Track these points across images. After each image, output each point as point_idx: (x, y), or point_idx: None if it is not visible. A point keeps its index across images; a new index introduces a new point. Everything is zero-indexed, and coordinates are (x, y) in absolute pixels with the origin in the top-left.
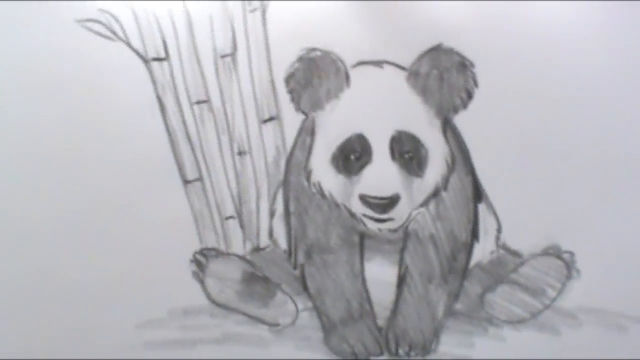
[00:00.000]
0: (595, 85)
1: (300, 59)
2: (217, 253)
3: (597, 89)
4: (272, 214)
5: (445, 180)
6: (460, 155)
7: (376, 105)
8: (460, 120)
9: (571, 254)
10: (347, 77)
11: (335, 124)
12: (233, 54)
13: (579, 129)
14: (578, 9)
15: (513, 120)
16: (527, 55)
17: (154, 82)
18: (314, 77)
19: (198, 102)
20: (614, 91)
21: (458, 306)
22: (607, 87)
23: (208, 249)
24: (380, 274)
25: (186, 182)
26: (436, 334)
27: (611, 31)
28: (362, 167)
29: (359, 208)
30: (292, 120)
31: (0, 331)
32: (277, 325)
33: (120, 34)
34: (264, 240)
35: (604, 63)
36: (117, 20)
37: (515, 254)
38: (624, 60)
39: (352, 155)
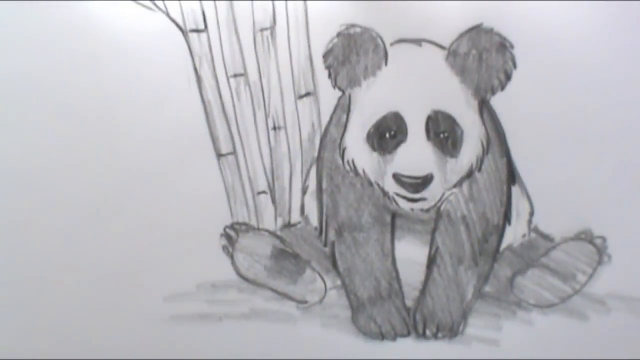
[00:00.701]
0: (632, 70)
1: (339, 35)
2: (248, 228)
3: (631, 72)
4: (304, 191)
5: (480, 161)
6: (495, 136)
7: (413, 84)
8: (497, 101)
9: (603, 239)
10: (386, 54)
11: (371, 102)
12: (272, 28)
13: (615, 114)
14: None
15: (549, 104)
16: (566, 39)
17: (191, 53)
18: (352, 53)
19: (235, 76)
20: None
21: (487, 289)
22: None
23: (239, 224)
24: (411, 253)
25: (220, 155)
26: (464, 316)
27: None
28: (396, 145)
29: (391, 187)
30: (328, 96)
31: (28, 297)
32: (304, 302)
33: (160, 4)
34: (295, 217)
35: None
36: None
37: (547, 237)
38: None
39: (387, 134)
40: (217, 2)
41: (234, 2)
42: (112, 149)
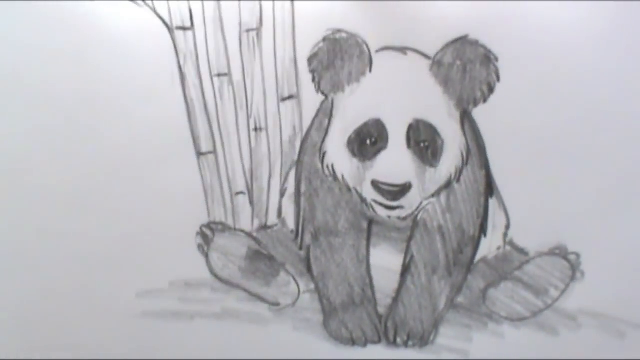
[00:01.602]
0: (611, 87)
1: (325, 40)
2: (224, 228)
3: (613, 91)
4: (282, 193)
5: (459, 172)
6: (475, 148)
7: (397, 91)
8: (479, 113)
9: (577, 255)
10: (371, 61)
11: (354, 108)
12: (258, 29)
13: (594, 131)
14: (599, 8)
15: (530, 118)
16: (548, 53)
17: (176, 51)
18: (337, 58)
19: (219, 75)
20: (629, 94)
21: (460, 299)
22: (623, 90)
23: (215, 223)
24: (385, 261)
25: (200, 154)
26: (436, 325)
27: (631, 32)
28: (377, 152)
29: (370, 194)
30: (311, 100)
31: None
32: (277, 304)
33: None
34: (272, 219)
35: (622, 65)
36: None
37: (521, 251)
38: None
39: (368, 140)
40: (204, 0)
41: (222, 2)
42: (93, 143)
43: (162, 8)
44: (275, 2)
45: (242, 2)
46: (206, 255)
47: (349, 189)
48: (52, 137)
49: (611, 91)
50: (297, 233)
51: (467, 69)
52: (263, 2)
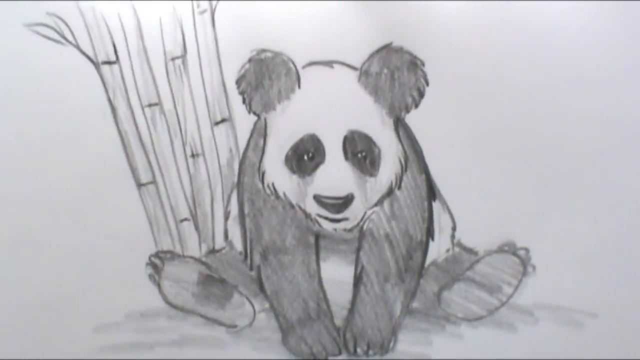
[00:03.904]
0: (546, 82)
1: (251, 60)
2: (173, 255)
3: (548, 86)
4: (226, 216)
5: (399, 179)
6: (413, 154)
7: (328, 105)
8: (412, 119)
9: (526, 250)
10: (298, 77)
11: (287, 125)
12: (183, 56)
13: (532, 126)
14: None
15: (465, 119)
16: (479, 52)
17: (104, 85)
18: (265, 78)
19: (149, 105)
20: (566, 88)
21: (415, 305)
22: (559, 84)
23: (163, 252)
24: (337, 273)
25: (140, 185)
26: (394, 332)
27: (570, 26)
28: (315, 167)
29: (313, 208)
30: (244, 121)
31: None
32: (234, 326)
33: (70, 37)
34: (220, 242)
35: (558, 58)
36: (66, 24)
37: (470, 251)
38: (580, 55)
39: (305, 156)
40: (127, 33)
41: (144, 33)
42: (30, 185)
43: (85, 44)
44: (197, 28)
45: (164, 31)
46: (158, 285)
47: (292, 206)
48: None
49: (544, 81)
50: (246, 254)
51: (395, 76)
52: (185, 29)
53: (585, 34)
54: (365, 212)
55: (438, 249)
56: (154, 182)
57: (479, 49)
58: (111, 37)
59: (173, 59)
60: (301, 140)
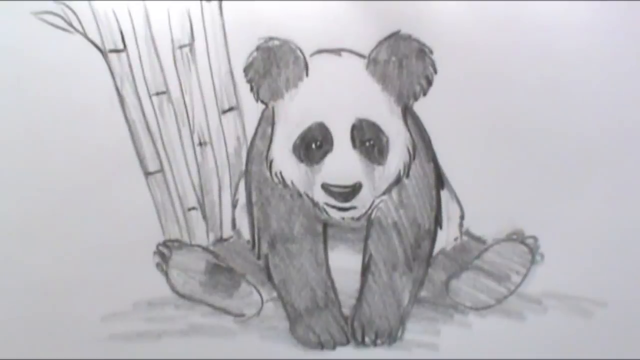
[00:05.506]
0: (556, 70)
1: (259, 49)
2: (180, 244)
3: (558, 74)
4: (234, 205)
5: (407, 167)
6: (421, 142)
7: (336, 93)
8: (421, 107)
9: (535, 238)
10: (306, 65)
11: (295, 113)
12: (191, 45)
13: (542, 114)
14: None
15: (474, 106)
16: (488, 40)
17: (112, 74)
18: (273, 66)
19: (157, 94)
20: (576, 77)
21: (423, 293)
22: (569, 73)
23: (171, 241)
24: (345, 262)
25: (147, 174)
26: (402, 321)
27: (575, 17)
28: (323, 155)
29: (321, 197)
30: (252, 110)
31: None
32: (242, 315)
33: (77, 25)
34: (227, 231)
35: (567, 48)
36: (73, 12)
37: (478, 240)
38: (590, 47)
39: (313, 144)
40: (134, 21)
41: (152, 20)
42: (39, 174)
43: (93, 33)
44: (205, 16)
45: (171, 18)
46: (166, 274)
47: (300, 195)
48: None
49: (557, 74)
50: (254, 243)
51: (403, 64)
52: (192, 17)
53: None
54: (373, 201)
55: (446, 238)
56: (161, 170)
57: (488, 37)
58: (119, 25)
59: (180, 47)
60: (309, 129)
